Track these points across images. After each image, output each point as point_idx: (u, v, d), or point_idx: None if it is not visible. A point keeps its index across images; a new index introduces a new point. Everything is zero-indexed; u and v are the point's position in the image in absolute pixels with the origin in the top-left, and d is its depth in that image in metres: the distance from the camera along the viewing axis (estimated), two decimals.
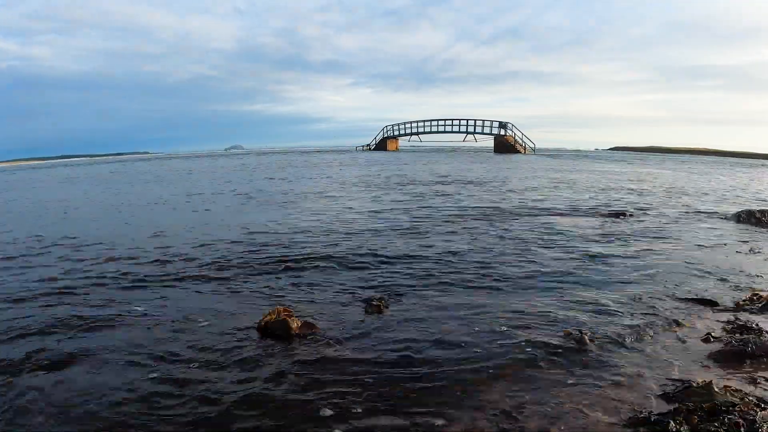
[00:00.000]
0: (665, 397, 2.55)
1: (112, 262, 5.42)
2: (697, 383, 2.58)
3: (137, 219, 8.90)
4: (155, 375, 2.80)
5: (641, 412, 2.40)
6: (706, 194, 12.21)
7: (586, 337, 3.20)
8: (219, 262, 5.26)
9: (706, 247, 6.07)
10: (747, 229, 7.33)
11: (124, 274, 4.90)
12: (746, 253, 5.73)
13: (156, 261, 5.39)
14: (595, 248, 5.86)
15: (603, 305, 3.91)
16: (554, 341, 3.21)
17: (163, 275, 4.81)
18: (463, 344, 3.15)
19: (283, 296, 4.15)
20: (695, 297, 4.14)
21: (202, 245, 6.12)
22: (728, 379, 2.76)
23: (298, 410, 2.44)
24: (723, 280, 4.65)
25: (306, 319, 3.47)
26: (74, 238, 6.90)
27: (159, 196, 12.77)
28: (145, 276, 4.79)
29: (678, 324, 3.56)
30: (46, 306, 3.96)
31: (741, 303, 4.01)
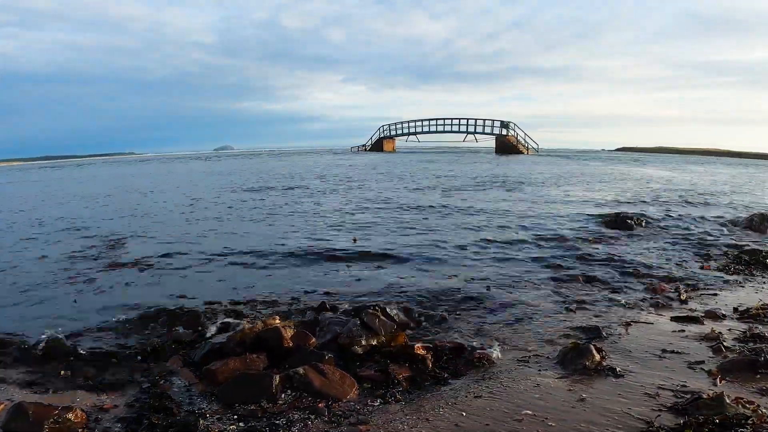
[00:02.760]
0: (675, 409, 2.55)
1: None
2: (708, 395, 2.59)
3: None
4: None
5: (651, 425, 2.41)
6: None
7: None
8: None
9: None
10: None
11: None
12: None
13: None
14: None
15: None
16: None
17: None
18: None
19: None
20: None
21: None
22: (740, 390, 2.77)
23: None
24: None
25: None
26: None
27: None
28: None
29: None
30: None
31: (755, 311, 4.04)
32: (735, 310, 4.12)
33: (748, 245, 6.56)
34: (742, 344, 3.40)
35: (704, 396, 2.58)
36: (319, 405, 2.69)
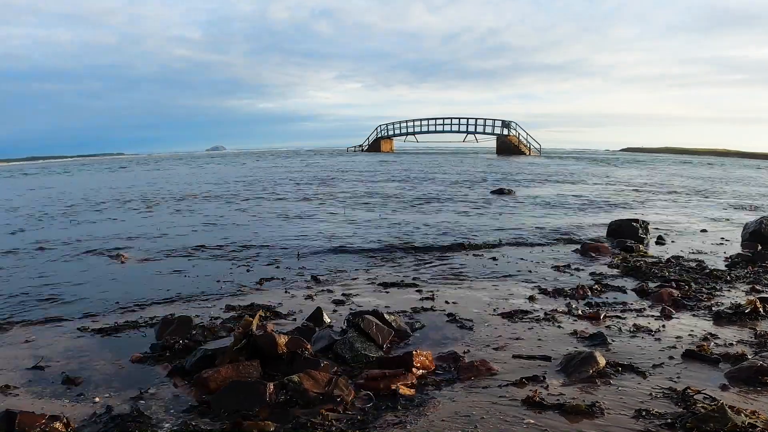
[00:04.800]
0: (681, 420, 2.57)
1: None
2: (711, 406, 2.60)
3: None
4: None
5: None
6: None
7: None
8: None
9: None
10: None
11: None
12: None
13: None
14: None
15: None
16: None
17: None
18: None
19: None
20: None
21: None
22: (745, 398, 2.79)
23: None
24: None
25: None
26: None
27: None
28: None
29: None
30: None
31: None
32: (738, 312, 4.15)
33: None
34: (754, 348, 3.43)
35: (708, 407, 2.59)
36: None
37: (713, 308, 4.37)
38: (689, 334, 3.77)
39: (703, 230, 8.82)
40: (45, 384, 3.09)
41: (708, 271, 5.70)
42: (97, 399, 2.89)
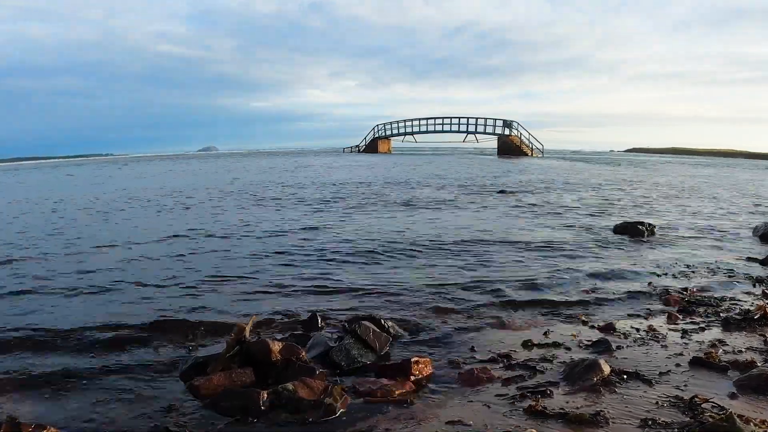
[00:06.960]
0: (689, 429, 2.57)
1: None
2: (720, 415, 2.59)
3: None
4: None
5: None
6: None
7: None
8: None
9: None
10: None
11: None
12: None
13: None
14: None
15: None
16: None
17: None
18: None
19: None
20: None
21: None
22: (758, 408, 2.79)
23: None
24: None
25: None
26: None
27: None
28: None
29: None
30: None
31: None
32: (747, 318, 4.15)
33: None
34: (759, 356, 3.43)
35: (717, 416, 2.59)
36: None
37: (721, 314, 4.37)
38: (697, 341, 3.77)
39: (711, 233, 8.83)
40: (31, 392, 3.08)
41: (716, 275, 5.71)
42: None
